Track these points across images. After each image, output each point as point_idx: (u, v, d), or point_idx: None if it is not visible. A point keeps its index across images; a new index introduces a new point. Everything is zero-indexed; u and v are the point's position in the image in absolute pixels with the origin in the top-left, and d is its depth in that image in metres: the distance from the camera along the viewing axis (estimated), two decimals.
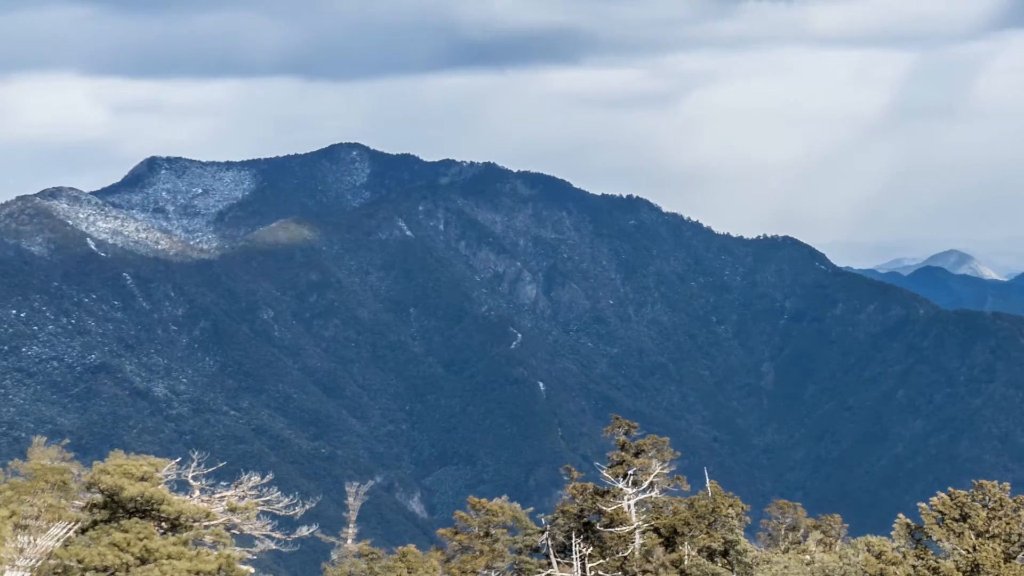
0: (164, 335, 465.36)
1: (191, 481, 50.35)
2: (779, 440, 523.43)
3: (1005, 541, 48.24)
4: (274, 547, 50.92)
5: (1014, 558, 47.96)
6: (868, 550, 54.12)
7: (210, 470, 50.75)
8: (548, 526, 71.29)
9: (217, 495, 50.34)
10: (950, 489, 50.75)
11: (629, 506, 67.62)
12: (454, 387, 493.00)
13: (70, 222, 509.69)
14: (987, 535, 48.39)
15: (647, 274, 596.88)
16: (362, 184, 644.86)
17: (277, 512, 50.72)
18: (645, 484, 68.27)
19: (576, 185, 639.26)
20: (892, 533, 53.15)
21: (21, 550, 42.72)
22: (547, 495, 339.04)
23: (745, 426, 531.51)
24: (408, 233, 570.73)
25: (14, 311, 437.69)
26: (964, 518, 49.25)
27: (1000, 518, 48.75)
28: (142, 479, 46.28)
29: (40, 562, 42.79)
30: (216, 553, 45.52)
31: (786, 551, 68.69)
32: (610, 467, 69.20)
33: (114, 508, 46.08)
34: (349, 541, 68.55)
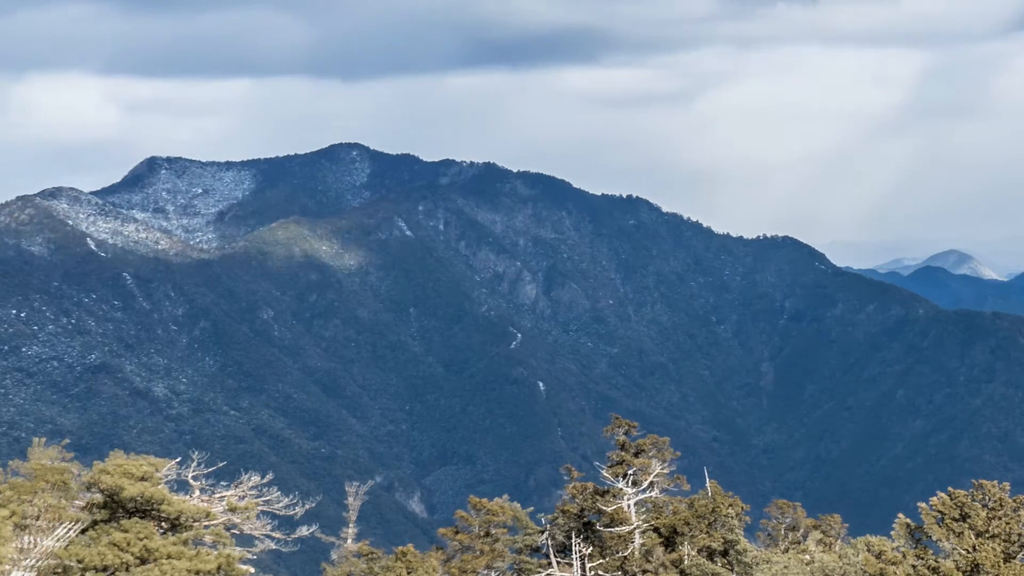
0: (164, 335, 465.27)
1: (191, 481, 50.29)
2: (779, 440, 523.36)
3: (1005, 541, 48.22)
4: (274, 547, 50.90)
5: (1014, 558, 47.95)
6: (868, 550, 54.08)
7: (210, 470, 50.69)
8: (548, 526, 71.25)
9: (217, 495, 50.29)
10: (950, 489, 50.71)
11: (629, 506, 67.61)
12: (454, 387, 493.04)
13: (70, 222, 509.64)
14: (987, 535, 48.38)
15: (647, 274, 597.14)
16: (362, 184, 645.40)
17: (277, 512, 50.67)
18: (645, 484, 68.24)
19: (576, 185, 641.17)
20: (892, 533, 53.09)
21: (23, 550, 42.68)
22: (547, 495, 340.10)
23: (745, 426, 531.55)
24: (408, 233, 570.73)
25: (14, 311, 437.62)
26: (964, 518, 49.23)
27: (1000, 518, 48.73)
28: (142, 479, 46.26)
29: (42, 562, 42.77)
30: (216, 553, 45.50)
31: (786, 551, 68.68)
32: (610, 467, 69.16)
33: (114, 508, 46.06)
34: (349, 541, 68.53)
